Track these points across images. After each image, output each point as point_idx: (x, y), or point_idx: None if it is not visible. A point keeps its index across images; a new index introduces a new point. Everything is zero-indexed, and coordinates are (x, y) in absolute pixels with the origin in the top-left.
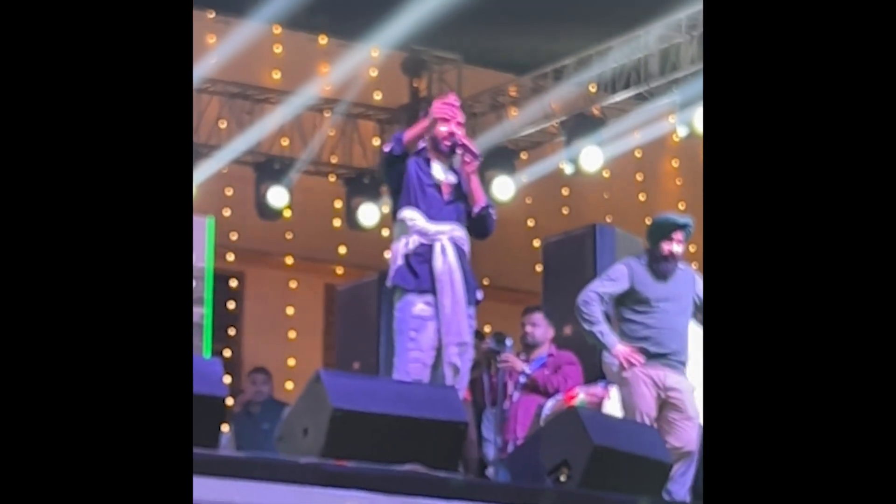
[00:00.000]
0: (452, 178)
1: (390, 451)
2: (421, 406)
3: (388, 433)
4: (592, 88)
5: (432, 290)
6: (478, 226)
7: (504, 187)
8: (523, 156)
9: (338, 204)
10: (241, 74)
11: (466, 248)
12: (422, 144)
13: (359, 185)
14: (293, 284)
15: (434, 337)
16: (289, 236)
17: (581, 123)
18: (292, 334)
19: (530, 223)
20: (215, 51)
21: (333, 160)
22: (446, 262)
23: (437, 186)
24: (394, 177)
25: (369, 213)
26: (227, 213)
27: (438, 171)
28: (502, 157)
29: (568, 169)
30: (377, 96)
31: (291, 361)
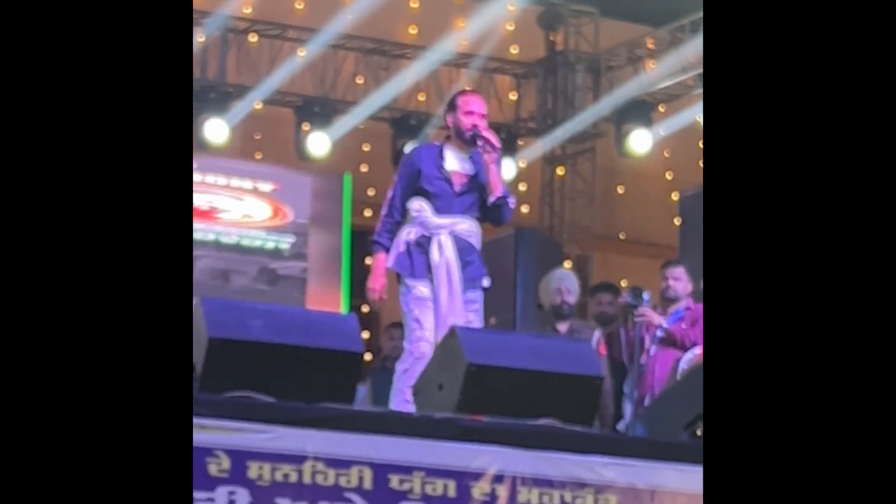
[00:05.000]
0: (469, 169)
1: (525, 406)
2: (556, 360)
3: (523, 388)
4: None
5: (427, 279)
6: (493, 215)
7: (642, 140)
8: (661, 109)
9: None
10: (378, 30)
11: (474, 239)
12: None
13: None
14: None
15: (434, 316)
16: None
17: None
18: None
19: (668, 176)
20: (351, 7)
21: None
22: (443, 256)
23: (448, 179)
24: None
25: (506, 168)
26: (364, 168)
27: (452, 162)
28: (640, 111)
29: None
30: (513, 50)
31: None
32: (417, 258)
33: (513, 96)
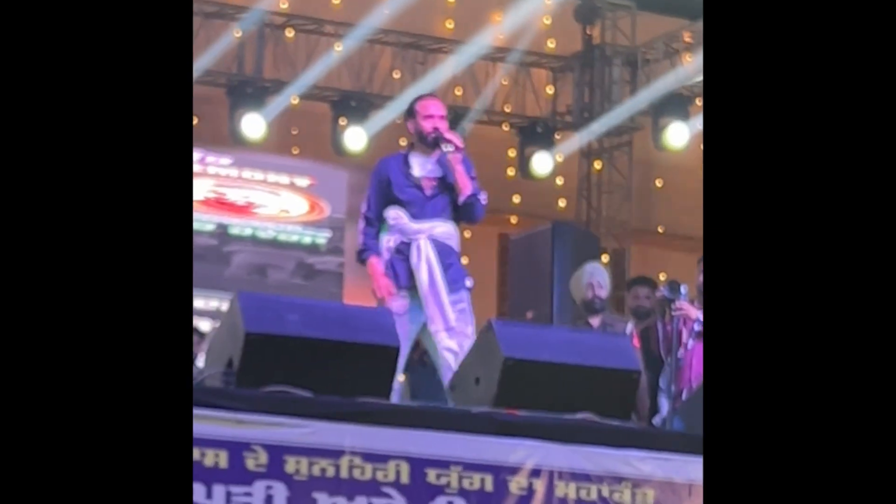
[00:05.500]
0: (437, 172)
1: (562, 400)
2: (593, 354)
3: (560, 382)
4: None
5: (410, 286)
6: (465, 213)
7: (678, 134)
8: (698, 102)
9: (511, 153)
10: (414, 24)
11: (453, 241)
12: (407, 141)
13: (532, 134)
14: (467, 234)
15: (408, 328)
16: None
17: None
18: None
19: None
20: (388, 1)
21: (507, 109)
22: (422, 259)
23: (417, 185)
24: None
25: (543, 162)
26: None
27: (418, 168)
28: (677, 104)
29: None
30: (551, 44)
31: None
32: (399, 266)
33: (549, 90)
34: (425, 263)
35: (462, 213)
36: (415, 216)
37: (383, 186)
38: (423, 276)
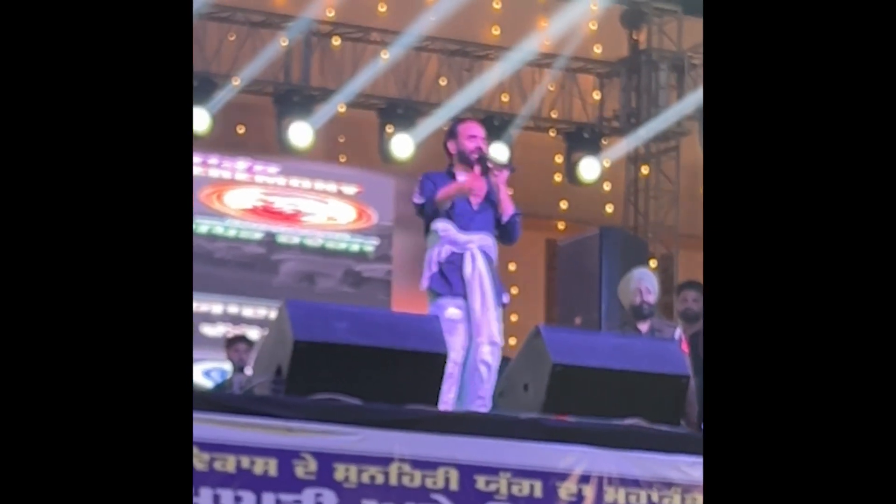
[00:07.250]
0: (481, 188)
1: (611, 406)
2: (642, 360)
3: (609, 387)
4: None
5: (463, 295)
6: (506, 233)
7: None
8: None
9: (558, 159)
10: (461, 31)
11: (494, 254)
12: (448, 160)
13: (579, 140)
14: None
15: (464, 337)
16: (510, 192)
17: None
18: (514, 290)
19: None
20: (434, 8)
21: (553, 115)
22: (476, 268)
23: (466, 199)
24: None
25: (590, 168)
26: None
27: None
28: None
29: None
30: (597, 50)
31: (514, 317)
32: (452, 275)
33: (596, 95)
34: (477, 275)
35: (503, 232)
36: (462, 228)
37: (435, 195)
38: (474, 288)
